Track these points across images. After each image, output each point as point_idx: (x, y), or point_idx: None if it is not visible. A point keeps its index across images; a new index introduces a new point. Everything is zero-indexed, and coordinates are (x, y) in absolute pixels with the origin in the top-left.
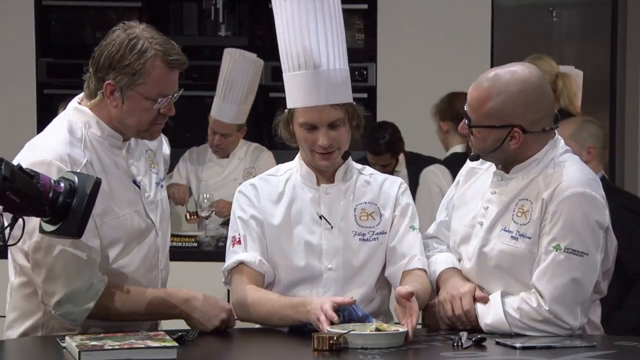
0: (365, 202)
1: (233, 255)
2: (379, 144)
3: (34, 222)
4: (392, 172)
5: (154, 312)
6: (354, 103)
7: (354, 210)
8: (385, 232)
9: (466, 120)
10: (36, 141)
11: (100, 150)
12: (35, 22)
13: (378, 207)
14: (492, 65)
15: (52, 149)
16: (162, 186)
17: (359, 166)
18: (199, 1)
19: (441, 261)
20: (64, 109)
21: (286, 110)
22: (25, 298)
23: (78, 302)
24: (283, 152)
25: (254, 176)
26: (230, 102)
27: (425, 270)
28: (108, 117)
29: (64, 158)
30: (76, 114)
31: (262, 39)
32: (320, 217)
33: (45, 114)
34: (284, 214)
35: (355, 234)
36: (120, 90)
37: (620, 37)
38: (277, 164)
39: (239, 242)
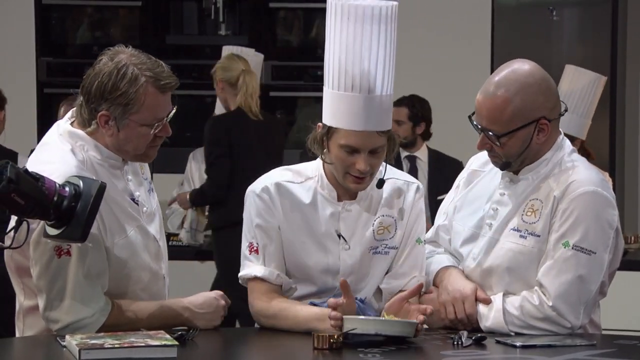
0: (384, 215)
1: (250, 265)
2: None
3: (40, 250)
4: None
5: (160, 324)
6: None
7: (373, 225)
8: (397, 248)
9: (489, 134)
10: (42, 167)
11: (101, 173)
12: (35, 21)
13: (395, 220)
14: (492, 65)
15: (61, 172)
16: (152, 190)
17: None
18: (199, 0)
19: (440, 260)
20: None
21: (320, 124)
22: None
23: (80, 331)
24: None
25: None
26: None
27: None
28: (105, 143)
29: None
30: (73, 138)
31: (262, 38)
32: (339, 236)
33: (46, 114)
34: (301, 230)
35: (370, 250)
36: (114, 120)
37: (620, 36)
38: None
39: (257, 251)
